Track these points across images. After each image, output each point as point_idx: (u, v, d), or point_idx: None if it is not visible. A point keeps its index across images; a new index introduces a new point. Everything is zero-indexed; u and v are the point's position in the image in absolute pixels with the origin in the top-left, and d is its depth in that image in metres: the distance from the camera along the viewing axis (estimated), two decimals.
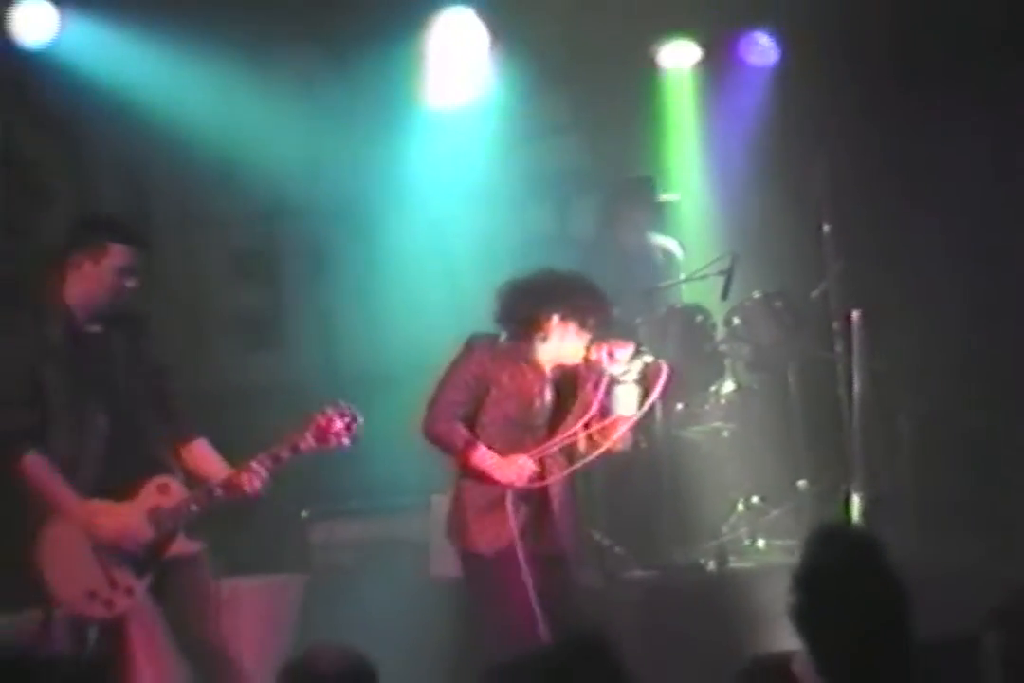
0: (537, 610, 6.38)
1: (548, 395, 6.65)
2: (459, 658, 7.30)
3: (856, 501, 8.24)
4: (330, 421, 6.29)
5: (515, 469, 6.53)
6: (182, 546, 6.31)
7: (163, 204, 9.37)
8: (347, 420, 6.32)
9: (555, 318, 6.54)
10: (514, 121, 9.73)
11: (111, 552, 6.23)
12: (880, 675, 3.80)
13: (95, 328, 6.38)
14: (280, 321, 9.72)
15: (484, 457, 6.52)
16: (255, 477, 6.23)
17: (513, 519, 6.51)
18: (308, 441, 6.27)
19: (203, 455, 6.45)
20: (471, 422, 6.58)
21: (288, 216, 9.67)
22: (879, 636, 3.80)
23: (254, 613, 7.69)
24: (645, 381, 6.64)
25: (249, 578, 7.96)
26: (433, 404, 6.60)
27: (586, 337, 6.57)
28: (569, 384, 6.69)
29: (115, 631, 6.30)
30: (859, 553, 3.91)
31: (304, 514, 8.62)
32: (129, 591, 6.25)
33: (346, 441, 6.32)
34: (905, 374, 9.06)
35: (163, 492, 6.28)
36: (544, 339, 6.58)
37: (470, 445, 6.54)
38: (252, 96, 9.08)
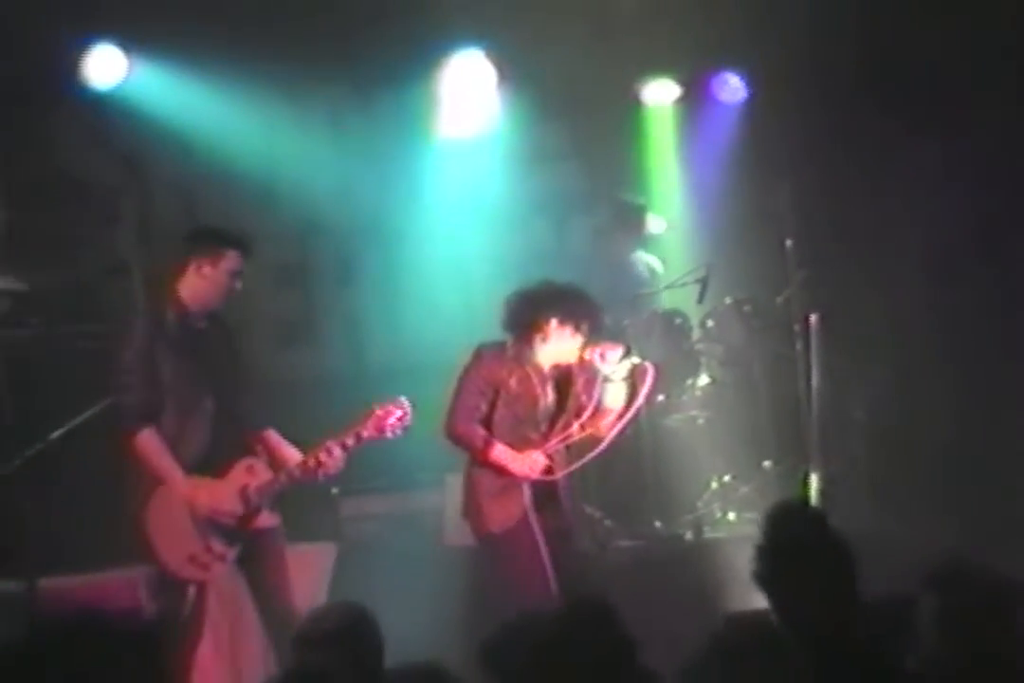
0: (550, 575, 6.44)
1: (550, 395, 6.69)
2: (469, 614, 7.27)
3: (814, 479, 8.21)
4: (388, 413, 6.33)
5: (529, 463, 6.59)
6: (265, 520, 6.37)
7: (212, 221, 9.31)
8: (401, 413, 6.35)
9: (554, 322, 6.58)
10: (518, 149, 9.74)
11: (207, 523, 6.26)
12: (832, 628, 3.88)
13: (202, 325, 6.41)
14: (312, 323, 9.71)
15: (501, 454, 6.56)
16: (333, 460, 6.28)
17: (529, 501, 6.57)
18: (369, 430, 6.31)
19: (276, 442, 6.47)
20: (485, 420, 6.61)
21: (320, 233, 9.69)
22: (830, 596, 3.89)
23: (292, 576, 7.59)
24: (632, 379, 6.69)
25: (289, 546, 7.98)
26: (453, 409, 6.62)
27: (580, 340, 6.61)
28: (566, 383, 6.72)
29: (198, 591, 6.35)
30: (810, 527, 3.99)
31: (335, 491, 8.57)
32: (222, 557, 6.29)
33: (400, 431, 6.35)
34: (857, 369, 9.03)
35: (250, 472, 6.32)
36: (544, 340, 6.62)
37: (488, 444, 6.57)
38: (289, 129, 9.12)
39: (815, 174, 9.20)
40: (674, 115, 9.97)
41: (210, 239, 6.45)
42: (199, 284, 6.35)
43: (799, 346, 8.34)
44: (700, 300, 8.94)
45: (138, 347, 6.28)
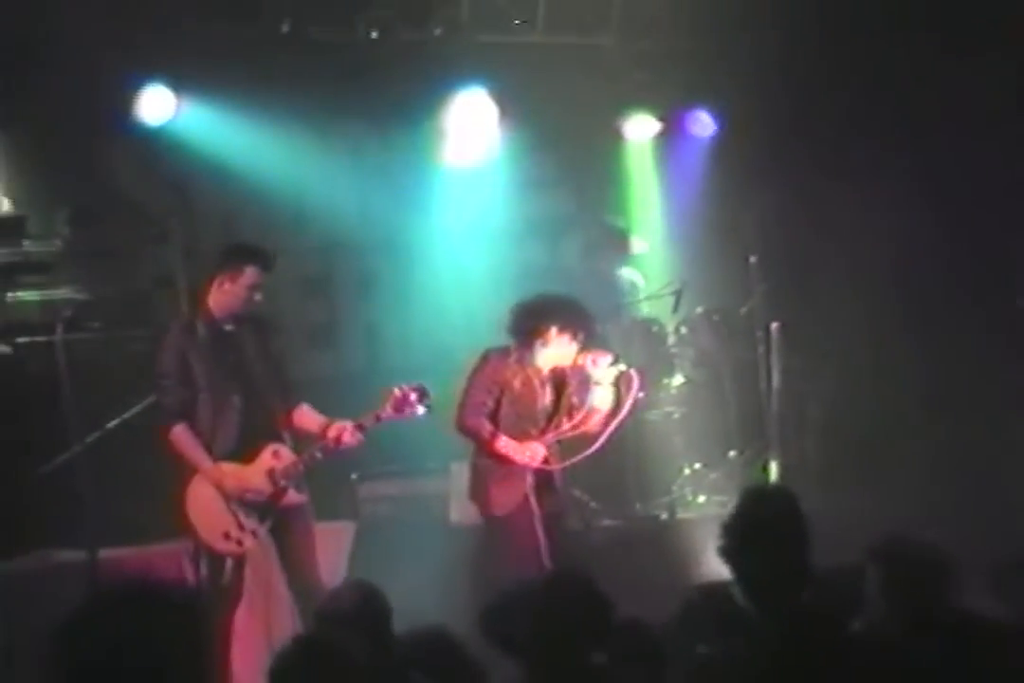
0: (544, 550, 6.43)
1: (548, 395, 6.69)
2: (472, 584, 7.20)
3: (774, 467, 8.26)
4: (405, 395, 6.27)
5: (530, 453, 6.59)
6: (293, 497, 6.35)
7: (248, 238, 9.14)
8: (418, 394, 6.26)
9: (554, 329, 6.57)
10: (516, 177, 9.72)
11: (239, 503, 6.26)
12: (788, 596, 3.91)
13: (230, 327, 6.39)
14: (335, 329, 9.66)
15: (506, 445, 6.56)
16: (350, 437, 6.24)
17: (531, 486, 6.57)
18: (388, 411, 6.27)
19: (307, 414, 6.43)
20: (491, 416, 6.61)
21: (342, 249, 9.63)
22: (787, 568, 3.91)
23: (318, 550, 7.61)
24: (618, 384, 6.68)
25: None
26: (463, 405, 6.61)
27: (576, 346, 6.60)
28: (561, 384, 6.72)
29: (237, 563, 6.32)
30: (770, 507, 4.01)
31: (353, 476, 8.54)
32: (254, 533, 6.29)
33: (420, 409, 6.27)
34: (811, 371, 9.05)
35: (276, 456, 6.30)
36: (544, 345, 6.61)
37: (494, 436, 6.57)
38: (315, 158, 9.05)
39: (776, 200, 9.23)
40: (652, 147, 9.97)
41: (231, 257, 6.44)
42: (222, 297, 6.37)
43: (761, 350, 8.34)
44: (675, 310, 8.96)
45: (173, 352, 6.31)
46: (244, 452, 6.30)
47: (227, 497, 6.27)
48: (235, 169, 8.71)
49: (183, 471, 6.32)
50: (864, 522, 7.36)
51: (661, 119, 9.86)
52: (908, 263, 9.47)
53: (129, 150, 8.69)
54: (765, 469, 8.16)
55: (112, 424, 6.83)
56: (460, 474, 8.21)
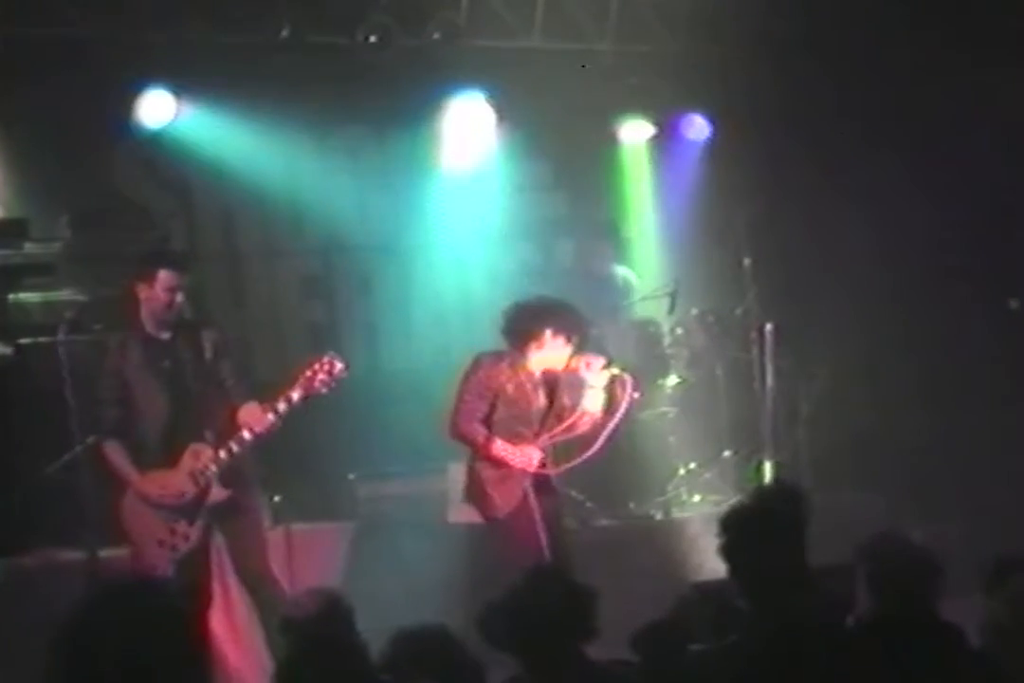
0: (545, 549, 6.38)
1: (541, 397, 6.62)
2: (469, 582, 7.29)
3: (767, 466, 8.28)
4: (314, 373, 6.13)
5: (527, 457, 6.54)
6: (218, 494, 6.24)
7: (249, 241, 9.32)
8: (327, 367, 6.12)
9: (548, 332, 6.52)
10: (512, 180, 9.70)
11: (166, 509, 6.23)
12: (785, 594, 3.91)
13: (166, 336, 6.36)
14: (335, 330, 9.59)
15: (502, 449, 6.50)
16: (263, 422, 6.12)
17: (530, 488, 6.52)
18: (297, 393, 6.13)
19: (249, 411, 6.28)
20: (485, 420, 6.55)
21: (342, 251, 9.58)
22: (784, 565, 3.91)
23: (317, 550, 7.67)
24: (612, 387, 6.64)
25: (313, 524, 7.96)
26: (456, 411, 6.54)
27: (570, 349, 6.55)
28: (554, 387, 6.67)
29: (194, 566, 6.24)
30: (770, 506, 4.01)
31: (352, 476, 8.53)
32: (186, 537, 6.23)
33: (333, 384, 6.12)
34: (803, 371, 9.04)
35: (195, 456, 6.24)
36: (538, 348, 6.55)
37: (489, 440, 6.51)
38: (314, 162, 9.02)
39: (769, 203, 9.24)
40: (647, 151, 9.96)
41: (142, 265, 6.41)
42: (145, 306, 6.34)
43: (754, 351, 8.40)
44: (670, 311, 8.95)
45: (110, 374, 6.32)
46: (170, 457, 6.26)
47: (152, 504, 6.23)
48: (235, 172, 8.67)
49: (118, 485, 6.31)
50: (856, 521, 7.39)
51: (656, 123, 9.87)
52: (899, 265, 9.48)
53: (130, 153, 8.68)
54: (759, 469, 8.17)
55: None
56: (458, 474, 8.20)
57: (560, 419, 6.64)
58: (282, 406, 6.16)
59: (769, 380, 8.21)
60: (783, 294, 8.99)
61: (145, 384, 6.29)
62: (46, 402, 6.67)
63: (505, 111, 9.44)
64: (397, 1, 8.97)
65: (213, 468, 6.22)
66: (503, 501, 6.54)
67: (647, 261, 9.66)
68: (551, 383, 6.68)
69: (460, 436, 6.60)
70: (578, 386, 6.61)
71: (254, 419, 6.22)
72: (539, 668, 3.98)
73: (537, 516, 6.47)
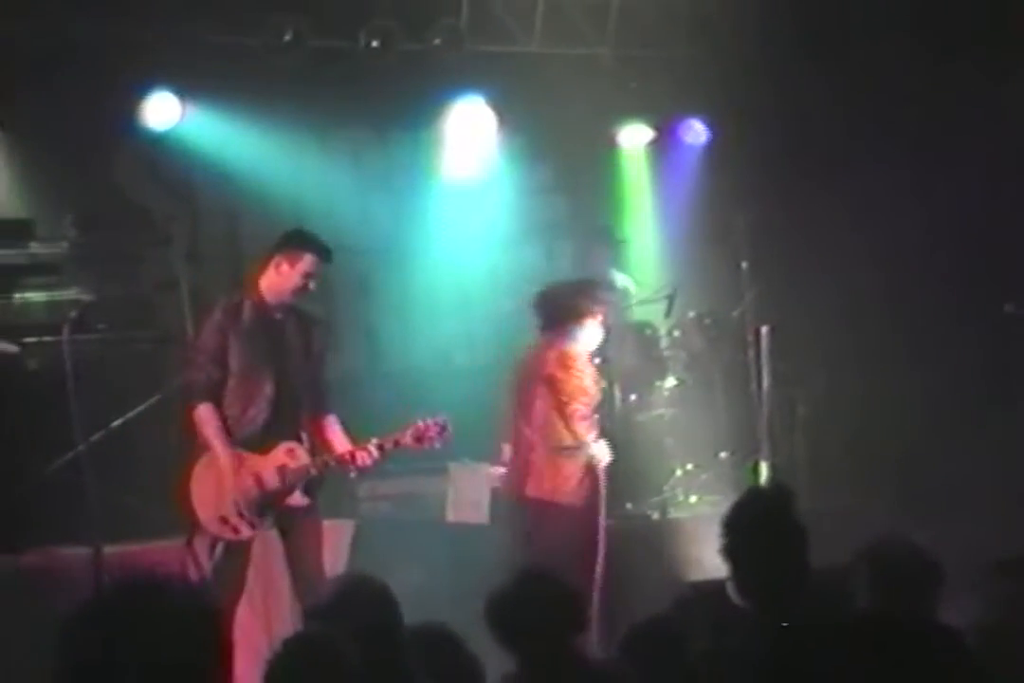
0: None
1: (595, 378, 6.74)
2: (466, 579, 7.15)
3: (763, 467, 8.28)
4: (428, 427, 6.13)
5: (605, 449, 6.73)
6: (298, 499, 6.17)
7: (250, 242, 9.06)
8: (439, 428, 6.13)
9: (590, 312, 6.64)
10: (513, 183, 9.71)
11: (243, 491, 6.09)
12: (785, 595, 3.89)
13: (278, 316, 6.23)
14: (336, 331, 9.54)
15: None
16: (367, 457, 6.09)
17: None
18: (407, 439, 6.11)
19: (332, 428, 6.25)
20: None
21: (342, 252, 9.39)
22: (786, 566, 3.90)
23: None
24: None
25: None
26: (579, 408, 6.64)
27: (603, 330, 6.69)
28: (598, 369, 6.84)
29: (238, 554, 6.17)
30: (773, 508, 4.00)
31: (352, 475, 8.50)
32: (252, 524, 6.11)
33: (438, 444, 6.17)
34: (799, 373, 9.06)
35: (290, 454, 6.12)
36: (580, 327, 6.65)
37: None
38: (317, 165, 9.03)
39: (766, 207, 9.23)
40: (646, 155, 9.99)
41: (293, 241, 6.28)
42: (276, 280, 6.19)
43: (751, 353, 8.38)
44: (668, 314, 8.95)
45: (213, 330, 6.15)
46: (263, 443, 6.13)
47: (235, 484, 6.08)
48: (238, 174, 8.68)
49: (194, 450, 6.18)
50: (852, 522, 7.38)
51: (655, 128, 9.89)
52: (895, 268, 9.48)
53: (135, 155, 8.67)
54: (755, 469, 8.17)
55: (116, 423, 6.77)
56: (458, 474, 8.22)
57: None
58: (389, 447, 6.12)
59: (765, 382, 8.21)
60: (780, 297, 8.99)
61: (249, 356, 6.12)
62: (50, 400, 6.64)
63: (506, 115, 9.46)
64: (400, 6, 8.99)
65: (312, 472, 6.12)
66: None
67: (647, 264, 9.67)
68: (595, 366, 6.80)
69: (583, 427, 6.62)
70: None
71: (339, 437, 6.20)
72: (536, 665, 3.97)
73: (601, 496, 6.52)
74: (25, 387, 7.47)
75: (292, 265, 6.18)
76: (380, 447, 6.11)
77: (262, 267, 6.27)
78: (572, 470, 6.74)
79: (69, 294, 7.86)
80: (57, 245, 8.14)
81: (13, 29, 7.80)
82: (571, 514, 6.64)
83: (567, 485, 6.72)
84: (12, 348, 7.56)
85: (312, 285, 6.22)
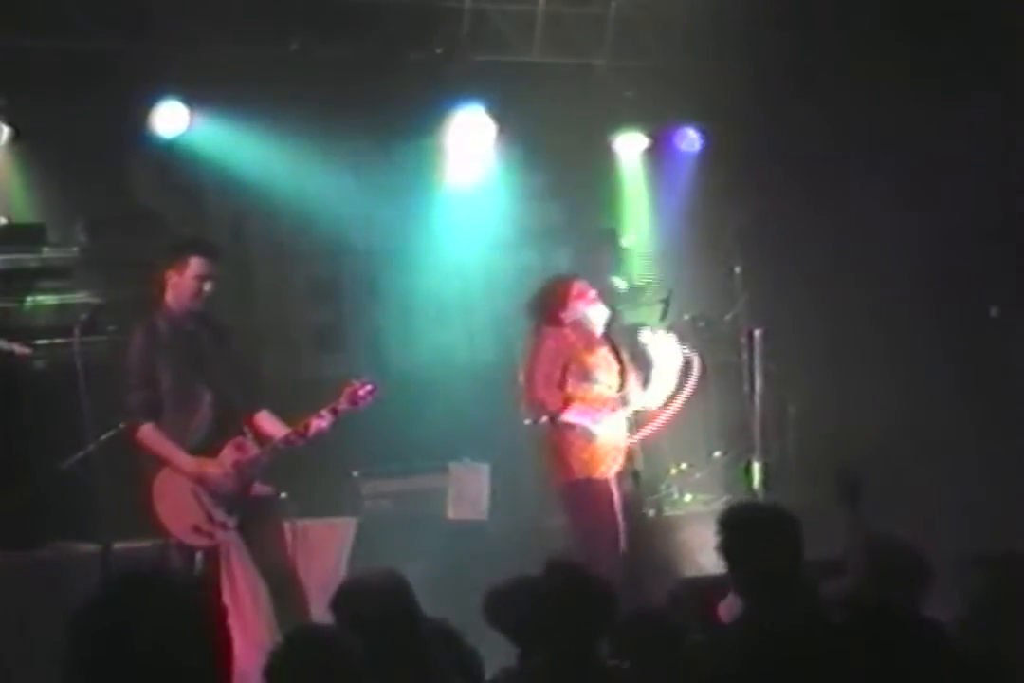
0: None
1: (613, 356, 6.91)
2: (466, 575, 7.26)
3: (756, 466, 8.27)
4: (356, 389, 6.18)
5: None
6: (259, 489, 6.23)
7: (259, 245, 9.32)
8: (371, 387, 6.19)
9: (592, 292, 6.89)
10: (511, 190, 9.69)
11: (209, 496, 6.14)
12: (780, 592, 3.89)
13: (190, 327, 6.28)
14: (342, 331, 9.61)
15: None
16: (323, 422, 6.12)
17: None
18: (343, 404, 6.16)
19: (268, 420, 6.32)
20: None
21: (350, 255, 9.58)
22: (780, 563, 3.90)
23: (321, 545, 7.66)
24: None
25: (317, 520, 7.88)
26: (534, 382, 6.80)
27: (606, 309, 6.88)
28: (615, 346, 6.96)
29: (216, 557, 6.20)
30: (768, 508, 3.99)
31: (355, 474, 8.53)
32: (224, 526, 6.15)
33: (370, 401, 6.19)
34: (791, 374, 9.07)
35: (239, 449, 6.19)
36: (587, 305, 6.84)
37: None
38: (322, 172, 8.98)
39: (758, 213, 9.25)
40: (642, 163, 9.98)
41: (176, 250, 6.35)
42: (174, 292, 6.27)
43: (744, 355, 8.37)
44: (663, 317, 8.88)
45: (137, 354, 6.21)
46: (212, 447, 6.18)
47: (197, 490, 6.13)
48: (245, 180, 8.68)
49: (147, 470, 6.22)
50: (842, 519, 7.37)
51: (650, 135, 9.88)
52: (882, 272, 9.48)
53: (145, 162, 8.67)
54: (748, 469, 8.16)
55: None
56: (458, 473, 8.22)
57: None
58: (328, 416, 6.15)
59: (758, 383, 8.19)
60: (772, 300, 9.01)
61: (177, 369, 6.18)
62: (61, 400, 6.65)
63: (505, 123, 9.45)
64: (402, 17, 8.98)
65: (264, 460, 6.17)
66: (591, 465, 6.72)
67: (641, 268, 9.65)
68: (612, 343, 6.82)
69: (541, 403, 6.73)
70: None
71: (276, 427, 6.24)
72: (547, 661, 3.94)
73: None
74: (36, 387, 7.47)
75: (181, 273, 6.25)
76: (334, 411, 6.14)
77: (161, 286, 6.33)
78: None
79: (80, 297, 7.87)
80: (69, 249, 8.15)
81: (33, 43, 7.83)
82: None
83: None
84: (24, 349, 7.57)
85: (208, 287, 6.25)
